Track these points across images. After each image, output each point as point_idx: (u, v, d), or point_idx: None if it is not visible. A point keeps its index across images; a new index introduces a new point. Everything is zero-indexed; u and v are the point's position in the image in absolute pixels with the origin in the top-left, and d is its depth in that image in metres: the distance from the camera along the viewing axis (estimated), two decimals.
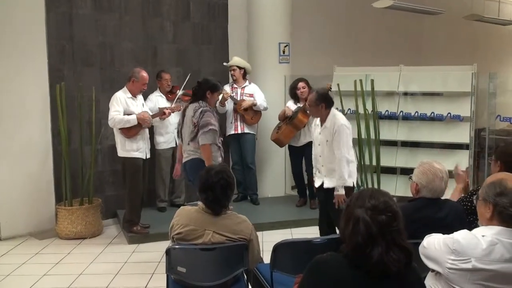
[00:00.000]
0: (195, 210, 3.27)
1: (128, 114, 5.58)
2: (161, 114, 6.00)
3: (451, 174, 3.60)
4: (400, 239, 2.02)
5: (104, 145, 6.43)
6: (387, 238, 1.99)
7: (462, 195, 3.77)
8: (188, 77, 6.39)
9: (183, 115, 5.07)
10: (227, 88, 6.95)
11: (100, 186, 6.46)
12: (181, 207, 3.43)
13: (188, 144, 4.96)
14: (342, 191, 4.62)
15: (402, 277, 2.04)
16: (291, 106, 6.72)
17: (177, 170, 5.31)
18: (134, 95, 5.71)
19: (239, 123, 6.90)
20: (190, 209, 3.31)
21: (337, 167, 4.63)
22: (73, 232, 5.91)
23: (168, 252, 3.13)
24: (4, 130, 5.85)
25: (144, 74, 5.67)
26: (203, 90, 4.97)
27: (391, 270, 1.98)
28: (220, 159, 4.97)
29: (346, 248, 2.06)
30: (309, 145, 6.70)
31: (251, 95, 6.89)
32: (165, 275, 3.27)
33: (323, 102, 4.65)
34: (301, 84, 6.62)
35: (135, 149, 5.65)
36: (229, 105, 6.88)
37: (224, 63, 7.13)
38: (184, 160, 5.06)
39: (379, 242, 1.98)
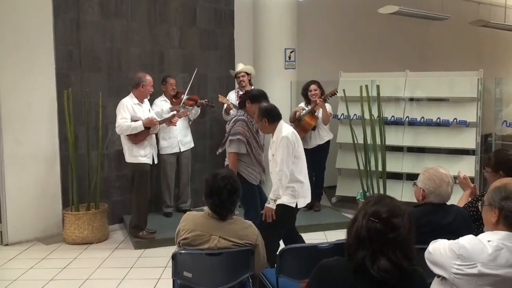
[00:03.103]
0: (201, 216, 3.28)
1: (135, 121, 5.61)
2: (169, 120, 5.96)
3: (455, 180, 3.60)
4: (391, 251, 2.02)
5: (111, 150, 6.46)
6: (374, 246, 2.02)
7: (470, 199, 3.76)
8: (195, 72, 6.45)
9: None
10: (232, 95, 6.97)
11: (107, 192, 6.49)
12: (187, 212, 3.45)
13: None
14: (272, 205, 4.31)
15: (410, 283, 2.05)
16: (304, 111, 6.73)
17: None
18: (141, 101, 5.75)
19: None
20: (196, 214, 3.32)
21: (274, 180, 4.40)
22: (79, 237, 5.93)
23: (174, 257, 3.15)
24: (12, 136, 5.89)
25: (149, 77, 5.77)
26: (244, 99, 4.98)
27: (375, 278, 2.00)
28: (251, 170, 4.86)
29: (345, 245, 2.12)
30: (318, 148, 6.75)
31: None
32: (171, 280, 3.28)
33: (264, 117, 4.44)
34: (313, 87, 6.64)
35: (142, 155, 5.69)
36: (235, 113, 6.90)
37: (231, 71, 7.15)
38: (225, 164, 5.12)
39: (365, 247, 2.02)
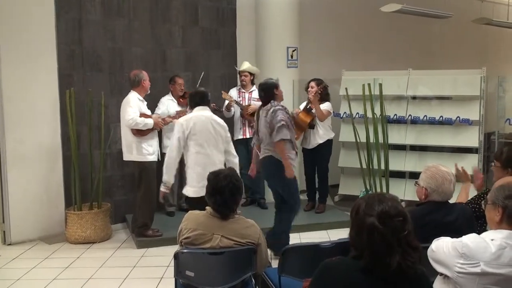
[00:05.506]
0: (203, 215, 3.27)
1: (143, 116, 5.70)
2: (168, 117, 6.08)
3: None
4: (414, 240, 2.03)
5: (113, 149, 6.45)
6: (402, 243, 1.99)
7: (477, 193, 3.73)
8: (202, 75, 6.51)
9: (257, 117, 5.24)
10: (233, 92, 6.97)
11: (109, 191, 6.48)
12: (189, 211, 3.43)
13: (266, 143, 5.14)
14: (162, 187, 4.84)
15: (413, 281, 2.04)
16: (302, 108, 6.71)
17: (252, 170, 5.49)
18: (143, 96, 5.83)
19: (247, 128, 6.91)
20: (198, 214, 3.32)
21: None
22: (82, 236, 5.93)
23: (176, 256, 3.15)
24: (15, 135, 5.89)
25: (144, 71, 5.87)
26: (270, 91, 5.10)
27: (407, 275, 1.99)
28: (291, 155, 5.04)
29: (364, 258, 2.03)
30: (319, 147, 6.71)
31: (258, 100, 6.89)
32: (174, 279, 3.28)
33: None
34: (310, 84, 6.59)
35: (151, 153, 5.74)
36: (237, 110, 6.91)
37: (236, 67, 7.15)
38: (260, 157, 5.24)
39: (396, 249, 1.98)
